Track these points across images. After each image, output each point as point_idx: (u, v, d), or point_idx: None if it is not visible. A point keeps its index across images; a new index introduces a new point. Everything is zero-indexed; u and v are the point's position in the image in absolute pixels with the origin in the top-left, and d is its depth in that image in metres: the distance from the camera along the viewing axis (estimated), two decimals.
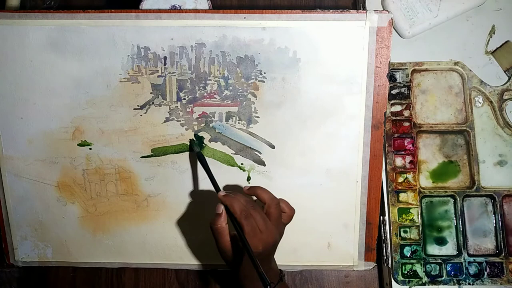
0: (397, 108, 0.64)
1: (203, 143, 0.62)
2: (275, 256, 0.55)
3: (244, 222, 0.49)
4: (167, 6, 0.61)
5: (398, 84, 0.64)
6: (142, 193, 0.64)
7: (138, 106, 0.61)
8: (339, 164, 0.61)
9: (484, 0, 0.63)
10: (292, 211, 0.55)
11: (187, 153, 0.62)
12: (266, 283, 0.46)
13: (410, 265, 0.61)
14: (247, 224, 0.49)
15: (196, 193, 0.63)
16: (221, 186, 0.62)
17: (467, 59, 0.64)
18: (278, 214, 0.53)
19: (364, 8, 0.64)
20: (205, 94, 0.61)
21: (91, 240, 0.65)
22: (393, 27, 0.63)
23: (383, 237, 0.62)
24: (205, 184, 0.63)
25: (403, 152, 0.63)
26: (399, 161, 0.63)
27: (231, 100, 0.61)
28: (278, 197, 0.54)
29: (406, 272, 0.61)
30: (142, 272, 0.67)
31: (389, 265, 0.62)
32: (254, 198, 0.54)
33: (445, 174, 0.63)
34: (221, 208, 0.51)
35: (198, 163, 0.61)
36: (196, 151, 0.59)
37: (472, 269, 0.61)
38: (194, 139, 0.61)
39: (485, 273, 0.61)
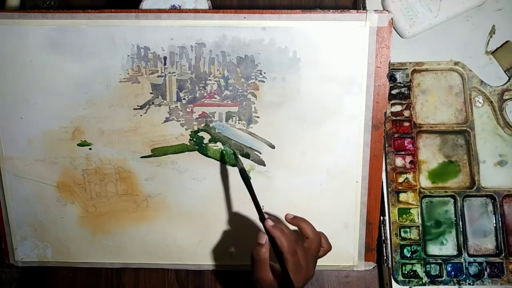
0: (397, 108, 0.64)
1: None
2: None
3: (290, 258, 0.47)
4: (167, 6, 0.61)
5: (398, 84, 0.64)
6: (142, 193, 0.63)
7: (138, 106, 0.61)
8: (339, 164, 0.61)
9: (484, 0, 0.63)
10: (330, 247, 0.55)
11: (187, 153, 0.62)
12: None
13: (410, 265, 0.61)
14: (292, 261, 0.47)
15: (196, 193, 0.63)
16: (223, 185, 0.62)
17: (467, 59, 0.64)
18: (318, 250, 0.52)
19: (364, 8, 0.64)
20: (205, 94, 0.61)
21: (91, 240, 0.65)
22: (393, 27, 0.63)
23: (383, 237, 0.62)
24: (205, 184, 0.63)
25: (403, 152, 0.63)
26: (399, 161, 0.63)
27: (231, 100, 0.61)
28: (300, 216, 0.53)
29: (406, 272, 0.61)
30: (142, 272, 0.67)
31: (389, 265, 0.61)
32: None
33: (445, 174, 0.63)
34: (265, 238, 0.48)
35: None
36: (239, 167, 0.55)
37: (472, 269, 0.61)
38: (234, 153, 0.60)
39: (485, 273, 0.61)
